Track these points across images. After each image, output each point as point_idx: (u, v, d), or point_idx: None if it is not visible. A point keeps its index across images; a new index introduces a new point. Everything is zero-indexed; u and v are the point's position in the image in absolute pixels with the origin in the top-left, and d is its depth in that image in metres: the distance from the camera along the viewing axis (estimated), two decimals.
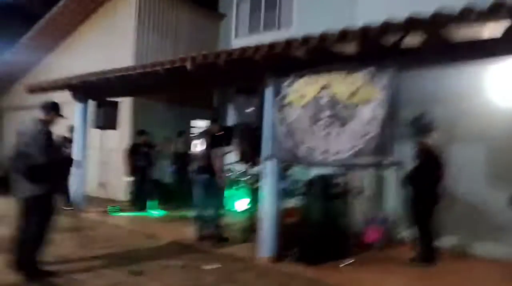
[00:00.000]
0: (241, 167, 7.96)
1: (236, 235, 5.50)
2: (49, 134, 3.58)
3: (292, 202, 5.05)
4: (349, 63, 3.70)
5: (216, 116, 4.91)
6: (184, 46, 9.13)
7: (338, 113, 3.72)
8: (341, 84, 3.73)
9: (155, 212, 7.24)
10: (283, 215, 4.57)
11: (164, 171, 8.63)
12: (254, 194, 6.05)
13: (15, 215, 3.63)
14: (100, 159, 7.17)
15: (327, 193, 4.88)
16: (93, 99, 7.04)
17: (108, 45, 8.98)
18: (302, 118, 3.98)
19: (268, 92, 4.40)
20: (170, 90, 6.47)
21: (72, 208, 6.42)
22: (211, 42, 9.49)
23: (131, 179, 7.72)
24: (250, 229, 5.47)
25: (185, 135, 8.24)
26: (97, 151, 7.22)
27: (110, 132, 7.48)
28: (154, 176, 7.95)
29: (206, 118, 10.23)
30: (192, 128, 9.89)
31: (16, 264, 3.53)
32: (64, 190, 6.43)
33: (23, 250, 3.44)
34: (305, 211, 4.78)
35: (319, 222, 4.69)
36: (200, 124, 10.13)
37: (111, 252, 4.56)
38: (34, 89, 7.16)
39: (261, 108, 4.72)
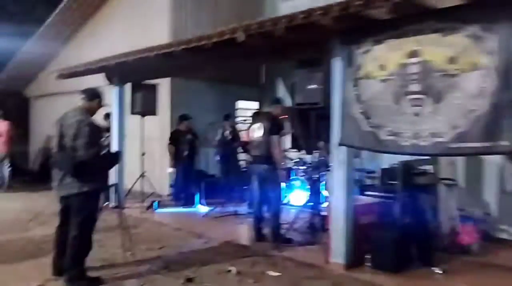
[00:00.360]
0: (296, 155, 7.73)
1: (299, 235, 5.25)
2: (96, 126, 3.53)
3: (366, 197, 4.69)
4: (445, 22, 3.24)
5: (278, 97, 4.62)
6: (225, 17, 8.88)
7: (432, 86, 3.29)
8: (436, 49, 3.28)
9: (201, 207, 7.19)
10: (357, 213, 4.24)
11: (209, 161, 8.58)
12: (313, 186, 5.82)
13: (57, 214, 3.64)
14: (140, 149, 7.20)
15: (411, 184, 4.50)
16: (130, 83, 7.04)
17: (138, 22, 8.96)
18: (383, 94, 3.58)
19: (338, 63, 4.04)
20: (215, 67, 6.28)
21: (114, 204, 6.52)
22: (255, 10, 9.17)
23: (174, 170, 7.75)
24: (315, 229, 5.22)
25: (232, 119, 8.07)
26: (136, 140, 7.26)
27: (149, 119, 7.48)
28: (199, 166, 7.94)
29: (253, 99, 10.26)
30: (237, 110, 9.74)
31: (59, 269, 3.54)
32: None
33: (67, 253, 3.43)
34: (384, 207, 4.44)
35: (401, 220, 4.35)
36: (246, 106, 9.98)
37: (159, 255, 4.52)
38: (66, 75, 7.29)
39: (327, 84, 4.39)
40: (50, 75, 11.62)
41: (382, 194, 4.88)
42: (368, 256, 4.16)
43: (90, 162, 3.36)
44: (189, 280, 3.76)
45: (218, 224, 6.17)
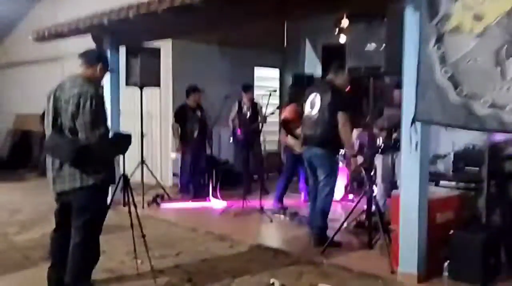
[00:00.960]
0: None
1: (347, 236, 5.00)
2: (103, 99, 3.21)
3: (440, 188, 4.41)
4: None
5: (342, 63, 4.29)
6: None
7: None
8: None
9: (215, 202, 6.97)
10: (431, 210, 3.96)
11: (222, 144, 8.31)
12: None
13: (54, 214, 3.39)
14: (138, 129, 6.91)
15: (501, 171, 4.21)
16: (125, 46, 6.71)
17: None
18: (480, 54, 3.24)
19: (412, 14, 3.68)
20: (229, 24, 5.96)
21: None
22: None
23: (179, 155, 7.50)
24: (367, 228, 4.96)
25: (252, 91, 7.74)
26: (134, 117, 6.96)
27: (149, 91, 7.18)
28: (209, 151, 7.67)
29: (274, 65, 9.91)
30: (255, 80, 9.40)
31: (59, 283, 3.30)
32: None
33: (68, 265, 3.18)
34: (467, 202, 4.16)
35: (488, 218, 4.08)
36: (266, 74, 9.65)
37: (177, 263, 4.29)
38: (45, 36, 6.94)
39: (392, 42, 4.05)
40: (20, 38, 11.35)
41: (457, 185, 4.59)
42: (446, 264, 3.90)
43: (96, 147, 3.07)
44: None
45: (241, 222, 5.95)
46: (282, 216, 6.06)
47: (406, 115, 3.78)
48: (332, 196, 4.83)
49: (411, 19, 3.72)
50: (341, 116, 4.50)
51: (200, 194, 7.22)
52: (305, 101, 4.87)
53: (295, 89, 6.93)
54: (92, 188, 3.14)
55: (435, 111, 3.52)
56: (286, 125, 6.30)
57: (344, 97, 4.64)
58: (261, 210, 6.20)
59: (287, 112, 6.38)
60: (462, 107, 3.35)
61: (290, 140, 6.26)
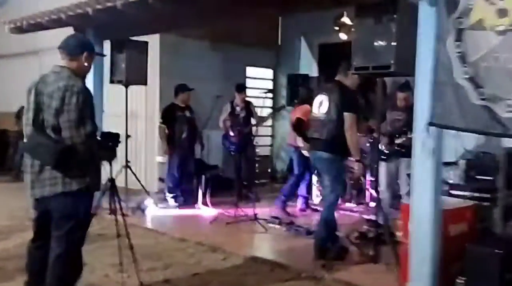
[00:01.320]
0: None
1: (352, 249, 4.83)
2: (90, 94, 2.99)
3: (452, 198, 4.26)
4: None
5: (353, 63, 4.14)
6: None
7: None
8: None
9: (205, 209, 6.77)
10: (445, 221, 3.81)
11: (211, 148, 8.10)
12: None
13: (32, 222, 3.15)
14: (122, 130, 6.67)
15: None
16: (110, 39, 6.48)
17: None
18: (503, 52, 3.10)
19: (427, 9, 3.53)
20: (225, 16, 5.78)
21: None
22: None
23: (166, 158, 7.28)
24: (368, 239, 4.81)
25: (243, 92, 7.55)
26: (118, 118, 6.72)
27: (134, 89, 6.95)
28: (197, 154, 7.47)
29: (267, 65, 9.72)
30: (247, 80, 9.20)
31: None
32: None
33: (48, 280, 2.95)
34: (482, 214, 4.02)
35: (505, 231, 3.94)
36: (258, 74, 9.48)
37: (167, 278, 4.07)
38: (22, 27, 6.68)
39: (403, 39, 3.91)
40: None
41: (470, 194, 4.46)
42: (460, 281, 3.74)
43: (81, 148, 2.85)
44: None
45: (234, 232, 5.76)
46: (277, 226, 5.88)
47: (418, 119, 3.63)
48: (336, 202, 4.66)
49: (425, 14, 3.56)
50: (347, 117, 4.34)
51: (188, 200, 7.03)
52: (315, 101, 4.70)
53: (308, 89, 6.77)
54: (76, 194, 2.91)
55: (453, 114, 3.37)
56: (299, 127, 6.13)
57: (352, 98, 4.50)
58: (255, 218, 6.01)
59: (301, 113, 6.23)
60: (483, 111, 3.20)
61: (300, 142, 6.12)
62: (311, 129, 4.71)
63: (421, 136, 3.59)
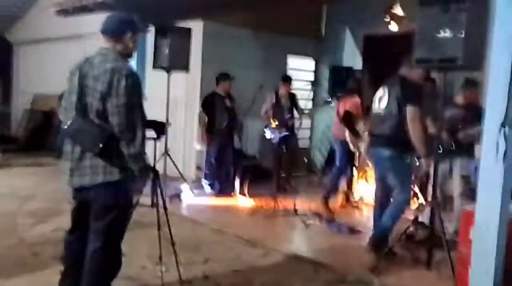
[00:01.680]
0: None
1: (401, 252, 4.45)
2: (138, 77, 2.70)
3: None
4: None
5: (421, 57, 3.75)
6: None
7: None
8: None
9: (243, 200, 6.49)
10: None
11: (248, 138, 7.80)
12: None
13: (71, 213, 2.90)
14: (163, 117, 6.44)
15: None
16: (154, 24, 6.22)
17: None
18: None
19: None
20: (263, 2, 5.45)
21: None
22: None
23: (204, 147, 7.03)
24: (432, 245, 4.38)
25: (290, 83, 7.20)
26: (159, 104, 6.48)
27: (175, 76, 6.70)
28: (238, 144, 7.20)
29: (309, 55, 9.32)
30: (289, 71, 8.83)
31: None
32: None
33: (85, 273, 2.71)
34: None
35: None
36: (300, 65, 9.10)
37: (206, 273, 3.81)
38: (68, 10, 6.51)
39: (473, 30, 3.50)
40: (40, 14, 10.92)
41: None
42: None
43: (128, 135, 2.58)
44: None
45: (273, 226, 5.50)
46: (318, 222, 5.54)
47: (490, 119, 3.22)
48: (406, 204, 4.26)
49: (503, 3, 3.14)
50: (409, 110, 3.92)
51: (226, 189, 6.76)
52: (378, 96, 4.33)
53: (357, 81, 6.38)
54: (118, 184, 2.65)
55: None
56: (349, 120, 5.75)
57: (415, 91, 4.07)
58: (295, 212, 5.73)
59: (351, 105, 5.84)
60: None
61: (348, 136, 5.74)
62: (372, 126, 4.35)
63: (492, 138, 3.18)
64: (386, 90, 4.17)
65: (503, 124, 3.08)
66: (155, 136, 3.27)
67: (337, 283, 3.78)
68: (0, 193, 6.33)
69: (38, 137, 10.38)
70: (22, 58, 12.43)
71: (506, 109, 3.07)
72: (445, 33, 3.63)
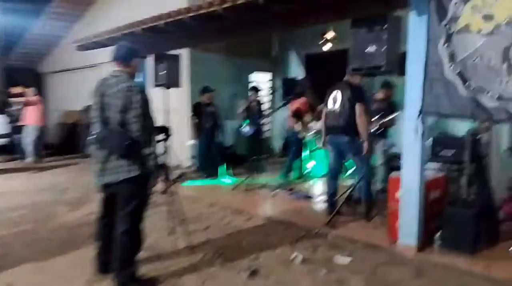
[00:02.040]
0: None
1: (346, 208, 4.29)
2: (147, 93, 2.43)
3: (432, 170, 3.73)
4: None
5: (356, 67, 3.53)
6: None
7: None
8: None
9: (226, 179, 6.22)
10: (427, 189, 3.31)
11: (227, 134, 7.52)
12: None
13: (100, 203, 2.62)
14: (164, 122, 6.11)
15: (478, 155, 3.59)
16: (153, 53, 5.82)
17: None
18: (487, 51, 2.57)
19: (416, 18, 2.99)
20: (232, 35, 5.15)
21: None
22: None
23: (195, 142, 6.71)
24: (355, 201, 4.26)
25: (258, 92, 6.93)
26: (159, 112, 6.14)
27: (170, 91, 6.34)
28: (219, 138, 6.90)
29: (267, 70, 9.09)
30: (251, 83, 8.55)
31: (104, 267, 2.56)
32: None
33: (114, 252, 2.43)
34: (453, 181, 3.53)
35: (471, 196, 3.46)
36: (259, 78, 8.84)
37: (208, 238, 3.56)
38: (86, 46, 6.01)
39: (392, 44, 3.35)
40: (62, 50, 10.23)
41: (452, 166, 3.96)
42: (437, 235, 3.27)
43: (145, 138, 2.33)
44: (253, 272, 2.81)
45: (251, 197, 5.22)
46: (279, 191, 5.34)
47: (410, 108, 3.11)
48: (366, 167, 4.03)
49: (415, 22, 3.03)
50: (358, 107, 3.79)
51: (213, 173, 6.47)
52: (329, 97, 4.12)
53: (302, 86, 6.14)
54: (137, 179, 2.39)
55: (441, 104, 2.86)
56: (299, 114, 5.57)
57: (361, 92, 3.92)
58: (264, 186, 5.52)
59: (300, 104, 5.67)
60: (471, 101, 2.69)
61: (298, 126, 5.57)
62: (328, 119, 4.11)
63: (413, 123, 3.07)
64: (340, 93, 3.98)
65: (420, 112, 2.98)
66: (164, 137, 3.00)
67: (304, 236, 3.59)
68: (42, 188, 5.83)
69: (68, 143, 9.76)
70: (51, 85, 11.62)
71: (422, 101, 2.96)
72: (371, 48, 3.48)
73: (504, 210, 3.90)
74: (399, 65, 3.34)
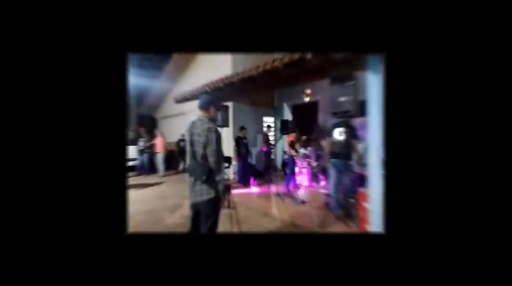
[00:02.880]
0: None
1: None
2: (219, 133, 2.41)
3: None
4: None
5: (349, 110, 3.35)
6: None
7: None
8: None
9: (254, 188, 6.04)
10: None
11: (252, 157, 7.42)
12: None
13: (189, 219, 2.47)
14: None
15: None
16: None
17: (215, 66, 7.92)
18: None
19: (372, 77, 2.81)
20: (256, 90, 5.18)
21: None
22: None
23: (237, 163, 6.67)
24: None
25: (269, 128, 6.89)
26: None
27: (223, 129, 6.46)
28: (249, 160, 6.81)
29: (271, 115, 8.83)
30: (265, 123, 8.48)
31: None
32: None
33: None
34: None
35: None
36: (268, 120, 8.75)
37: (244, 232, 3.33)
38: (179, 99, 6.43)
39: (358, 95, 3.13)
40: (167, 102, 10.74)
41: None
42: None
43: (217, 167, 2.27)
44: None
45: (270, 203, 4.84)
46: (286, 198, 5.03)
47: (373, 138, 2.84)
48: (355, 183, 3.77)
49: (371, 80, 2.82)
50: (355, 142, 3.69)
51: (247, 184, 6.35)
52: (331, 132, 3.90)
53: (292, 126, 5.98)
54: (214, 200, 2.31)
55: None
56: (293, 144, 5.49)
57: (354, 129, 3.75)
58: (277, 194, 5.28)
59: (293, 137, 5.61)
60: None
61: (293, 152, 5.43)
62: (335, 147, 3.82)
63: (376, 149, 2.79)
64: (344, 129, 3.77)
65: (381, 141, 2.69)
66: (228, 165, 2.90)
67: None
68: (154, 196, 5.66)
69: (169, 165, 9.73)
70: (162, 127, 12.15)
71: (381, 133, 2.68)
72: (343, 98, 3.27)
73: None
74: (361, 110, 3.09)
